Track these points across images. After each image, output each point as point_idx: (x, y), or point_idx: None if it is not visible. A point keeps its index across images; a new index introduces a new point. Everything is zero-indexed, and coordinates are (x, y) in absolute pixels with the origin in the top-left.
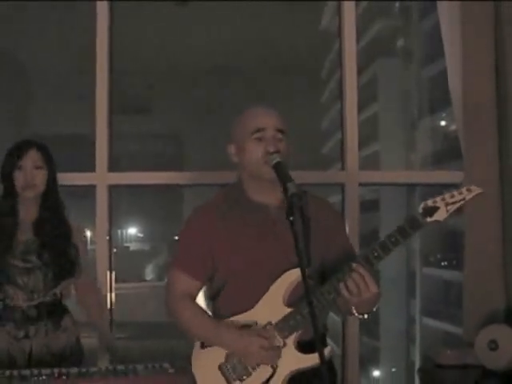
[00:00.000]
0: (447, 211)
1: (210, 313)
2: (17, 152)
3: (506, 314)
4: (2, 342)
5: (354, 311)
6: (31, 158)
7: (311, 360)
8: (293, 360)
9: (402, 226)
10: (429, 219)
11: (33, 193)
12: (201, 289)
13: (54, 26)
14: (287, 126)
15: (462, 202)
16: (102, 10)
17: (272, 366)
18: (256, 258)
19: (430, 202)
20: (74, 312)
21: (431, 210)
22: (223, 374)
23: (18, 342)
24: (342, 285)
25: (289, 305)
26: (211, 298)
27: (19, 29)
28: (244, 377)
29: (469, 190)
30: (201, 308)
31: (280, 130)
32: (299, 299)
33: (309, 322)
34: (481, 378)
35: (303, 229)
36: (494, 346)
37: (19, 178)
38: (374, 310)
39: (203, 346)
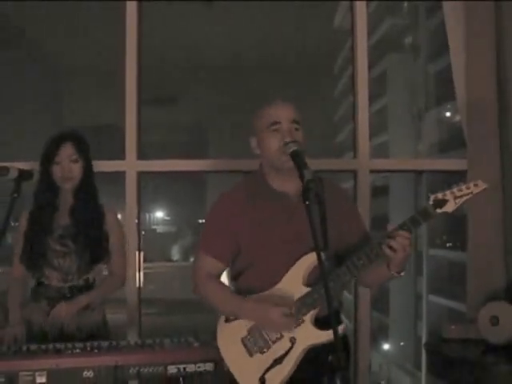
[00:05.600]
0: (455, 204)
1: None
2: (53, 148)
3: (506, 291)
4: (36, 317)
5: (393, 271)
6: (67, 153)
7: (326, 336)
8: (309, 335)
9: (415, 216)
10: (439, 210)
11: (70, 184)
12: (224, 270)
13: (88, 24)
14: (301, 117)
15: (469, 196)
16: (132, 8)
17: (290, 340)
18: (277, 243)
19: (440, 195)
20: None
21: (441, 203)
22: (245, 346)
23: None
24: (384, 247)
25: (307, 285)
26: (233, 279)
27: (58, 29)
28: (264, 350)
29: (476, 185)
30: (224, 285)
31: (296, 121)
32: (317, 280)
33: (325, 300)
34: (483, 351)
35: (320, 214)
36: (495, 321)
37: (57, 171)
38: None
39: (227, 320)
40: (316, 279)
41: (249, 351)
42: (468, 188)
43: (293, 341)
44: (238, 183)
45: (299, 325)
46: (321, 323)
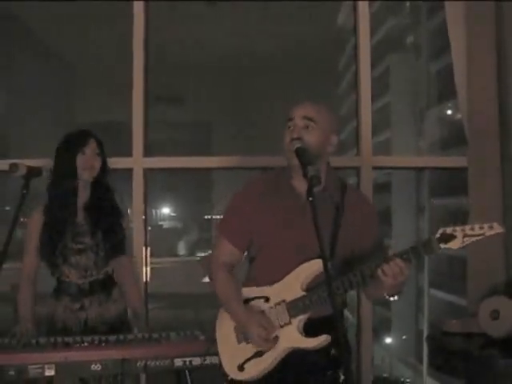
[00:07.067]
0: (463, 242)
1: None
2: (81, 139)
3: (506, 286)
4: (59, 314)
5: (386, 294)
6: (92, 146)
7: (309, 343)
8: (292, 338)
9: (417, 247)
10: (442, 245)
11: (90, 175)
12: (240, 257)
13: (95, 24)
14: (321, 117)
15: (480, 237)
16: (138, 8)
17: (274, 338)
18: (285, 240)
19: (449, 230)
20: None
21: (448, 238)
22: (236, 333)
23: (74, 313)
24: (379, 270)
25: (305, 289)
26: (249, 262)
27: (65, 29)
28: (250, 340)
29: (491, 227)
30: (230, 279)
31: (308, 118)
32: (314, 286)
33: (316, 307)
34: (483, 344)
35: (336, 220)
36: (495, 315)
37: (81, 160)
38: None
39: None
40: (314, 285)
41: (237, 338)
42: (481, 228)
43: (276, 339)
44: (266, 173)
45: (286, 325)
46: (310, 327)
